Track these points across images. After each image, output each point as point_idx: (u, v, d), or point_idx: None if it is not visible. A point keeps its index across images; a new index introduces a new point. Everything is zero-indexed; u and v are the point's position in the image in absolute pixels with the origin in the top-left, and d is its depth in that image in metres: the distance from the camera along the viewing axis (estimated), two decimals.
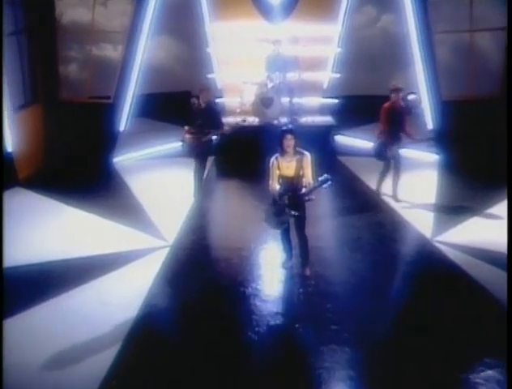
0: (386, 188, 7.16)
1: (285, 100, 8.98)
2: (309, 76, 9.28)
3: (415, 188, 7.44)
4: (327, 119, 9.22)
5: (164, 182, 7.78)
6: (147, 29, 9.09)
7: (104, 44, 9.80)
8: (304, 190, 4.87)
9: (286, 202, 4.87)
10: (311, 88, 9.43)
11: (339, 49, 9.98)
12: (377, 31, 10.94)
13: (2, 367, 3.57)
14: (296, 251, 5.29)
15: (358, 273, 5.22)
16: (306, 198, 4.88)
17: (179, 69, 10.79)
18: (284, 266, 5.36)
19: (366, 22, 11.01)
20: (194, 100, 6.65)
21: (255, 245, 5.75)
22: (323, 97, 9.93)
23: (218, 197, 6.72)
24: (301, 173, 4.89)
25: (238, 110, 9.09)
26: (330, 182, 4.63)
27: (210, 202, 7.02)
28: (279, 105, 8.83)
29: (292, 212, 4.88)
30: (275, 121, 8.81)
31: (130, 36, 8.91)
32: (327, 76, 10.08)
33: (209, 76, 9.79)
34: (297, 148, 4.91)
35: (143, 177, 8.03)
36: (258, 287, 4.96)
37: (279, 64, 8.94)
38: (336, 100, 9.80)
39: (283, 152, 4.93)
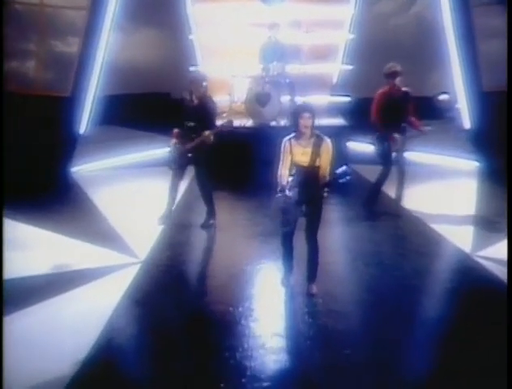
0: (411, 197, 7.39)
1: (285, 98, 9.34)
2: (314, 69, 9.70)
3: (449, 198, 7.73)
4: (337, 121, 9.56)
5: (135, 194, 8.00)
6: (110, 16, 9.62)
7: (59, 26, 10.19)
8: (319, 183, 4.98)
9: (297, 196, 4.96)
10: (317, 83, 9.82)
11: (352, 36, 10.42)
12: (399, 12, 11.30)
13: None
14: (297, 263, 5.40)
15: (376, 291, 5.32)
16: (321, 194, 4.99)
17: (154, 64, 11.02)
18: (284, 282, 5.41)
19: (384, 1, 11.44)
20: (185, 94, 6.78)
21: (246, 262, 5.91)
22: (332, 95, 10.33)
23: (202, 210, 6.93)
24: (318, 161, 5.02)
25: (226, 113, 9.44)
26: (348, 177, 4.76)
27: (192, 214, 7.24)
28: (277, 103, 9.11)
29: (304, 209, 4.99)
30: (273, 123, 9.12)
31: (89, 25, 9.43)
32: (337, 69, 10.51)
33: (192, 70, 10.16)
34: (316, 131, 5.06)
35: (109, 189, 8.27)
36: (250, 309, 5.02)
37: (276, 54, 9.31)
38: (348, 99, 10.16)
39: (298, 134, 5.05)
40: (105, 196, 8.01)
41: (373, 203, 7.33)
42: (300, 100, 9.24)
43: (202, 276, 5.86)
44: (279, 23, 9.48)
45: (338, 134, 8.94)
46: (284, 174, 5.06)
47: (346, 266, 6.03)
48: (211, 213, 6.88)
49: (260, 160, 8.11)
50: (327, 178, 4.96)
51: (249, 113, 9.23)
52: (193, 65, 10.22)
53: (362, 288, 5.43)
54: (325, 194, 5.00)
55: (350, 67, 10.43)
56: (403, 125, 7.06)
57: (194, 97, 6.67)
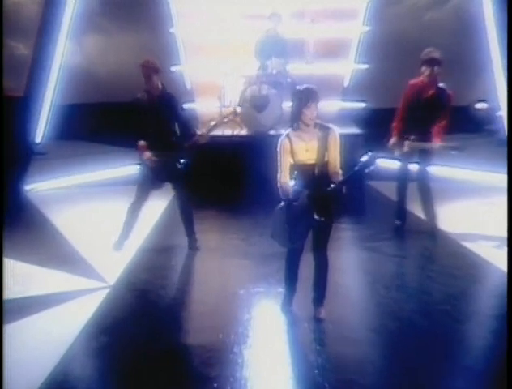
0: (441, 214, 7.54)
1: (287, 103, 9.55)
2: (321, 68, 9.90)
3: (487, 216, 7.95)
4: (350, 131, 9.73)
5: (100, 215, 8.20)
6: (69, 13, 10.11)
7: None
8: (333, 182, 5.00)
9: (306, 202, 5.03)
10: (325, 86, 9.72)
11: (367, 28, 10.75)
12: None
13: None
14: (300, 284, 5.50)
15: (399, 317, 5.45)
16: (338, 194, 5.00)
17: (125, 67, 11.14)
18: (285, 307, 5.53)
19: None
20: (141, 96, 6.79)
21: (240, 285, 6.05)
22: (343, 100, 10.58)
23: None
24: (326, 157, 5.12)
25: (214, 121, 9.61)
26: (373, 167, 4.78)
27: (174, 235, 7.37)
28: (277, 107, 9.28)
29: (317, 217, 5.06)
30: (272, 131, 9.29)
31: (43, 23, 9.95)
32: (349, 68, 10.80)
33: (173, 69, 10.47)
34: (319, 121, 5.15)
35: (70, 209, 8.48)
36: (244, 336, 5.09)
37: (276, 49, 9.61)
38: (363, 105, 10.43)
39: (299, 127, 5.13)
40: (66, 217, 8.18)
41: (396, 220, 7.44)
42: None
43: (186, 301, 5.98)
44: (279, 12, 9.82)
45: (351, 147, 9.23)
46: (286, 180, 5.15)
47: (362, 289, 6.13)
48: (192, 234, 7.08)
49: (256, 174, 8.32)
50: (340, 173, 5.06)
51: (244, 119, 9.45)
52: (174, 64, 10.50)
53: (382, 314, 5.50)
54: (344, 191, 5.02)
55: (365, 67, 10.74)
56: (427, 130, 7.12)
57: (152, 97, 6.77)
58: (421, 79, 7.10)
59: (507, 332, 4.32)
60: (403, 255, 6.92)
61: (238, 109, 9.02)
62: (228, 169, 8.80)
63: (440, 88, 7.10)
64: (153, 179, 6.82)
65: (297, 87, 5.20)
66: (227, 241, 7.38)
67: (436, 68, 7.01)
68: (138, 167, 6.93)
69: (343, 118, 10.05)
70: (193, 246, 7.06)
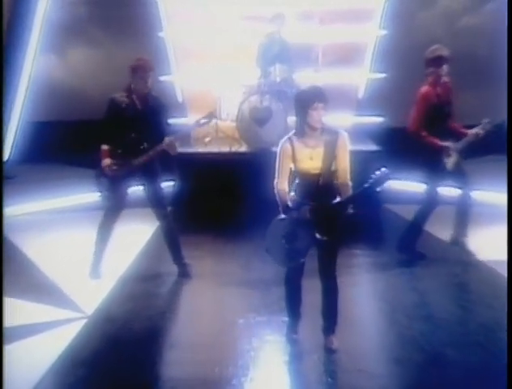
0: (472, 240, 7.65)
1: (292, 116, 9.68)
2: (332, 76, 10.11)
3: None
4: (365, 149, 9.83)
5: (77, 241, 8.21)
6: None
7: None
8: (340, 195, 5.10)
9: (307, 217, 5.09)
10: (336, 97, 9.95)
11: (384, 32, 10.90)
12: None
13: None
14: (307, 311, 5.55)
15: (425, 349, 5.49)
16: (345, 210, 5.07)
17: (106, 80, 11.20)
18: (290, 337, 5.56)
19: None
20: (121, 96, 6.88)
21: (238, 315, 6.12)
22: (357, 114, 10.76)
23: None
24: (333, 166, 5.18)
25: (209, 138, 9.90)
26: (386, 184, 4.89)
27: (163, 262, 7.47)
28: (280, 121, 9.43)
29: (319, 235, 5.12)
30: (275, 148, 9.36)
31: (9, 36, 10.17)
32: (363, 77, 10.96)
33: (162, 79, 10.57)
34: (326, 124, 5.22)
35: (43, 236, 8.56)
36: (244, 368, 5.13)
37: (280, 54, 9.80)
38: (379, 120, 10.60)
39: (304, 131, 5.19)
40: (38, 245, 8.21)
41: (413, 245, 7.50)
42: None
43: (176, 332, 6.02)
44: (283, 13, 10.00)
45: (365, 166, 9.30)
46: (283, 187, 5.25)
47: (380, 318, 6.17)
48: (181, 260, 7.19)
49: (256, 195, 8.31)
50: (350, 186, 5.13)
51: (243, 134, 9.63)
52: (163, 74, 10.62)
53: (404, 345, 5.54)
54: (350, 211, 5.12)
55: (382, 76, 10.90)
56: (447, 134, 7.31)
57: (135, 98, 6.88)
58: (431, 81, 7.23)
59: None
60: (427, 283, 6.95)
61: (233, 118, 9.18)
62: (226, 190, 8.93)
63: (447, 85, 7.29)
64: (118, 190, 6.96)
65: (302, 88, 5.34)
66: (224, 268, 7.48)
67: (444, 67, 7.14)
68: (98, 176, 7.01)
69: (358, 135, 10.04)
70: (184, 273, 7.12)
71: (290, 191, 5.27)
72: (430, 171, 7.39)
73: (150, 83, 6.84)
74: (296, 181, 5.27)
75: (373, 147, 9.72)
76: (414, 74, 10.35)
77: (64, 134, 10.87)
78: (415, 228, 7.53)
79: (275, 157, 5.30)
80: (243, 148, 9.64)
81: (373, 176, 4.89)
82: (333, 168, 5.15)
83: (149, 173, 6.97)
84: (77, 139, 10.38)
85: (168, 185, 8.58)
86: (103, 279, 7.05)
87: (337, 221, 5.15)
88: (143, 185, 7.06)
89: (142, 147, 6.84)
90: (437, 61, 7.13)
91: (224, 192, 8.95)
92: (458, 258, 7.49)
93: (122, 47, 10.76)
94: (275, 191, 5.26)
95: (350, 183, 5.14)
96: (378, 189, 4.88)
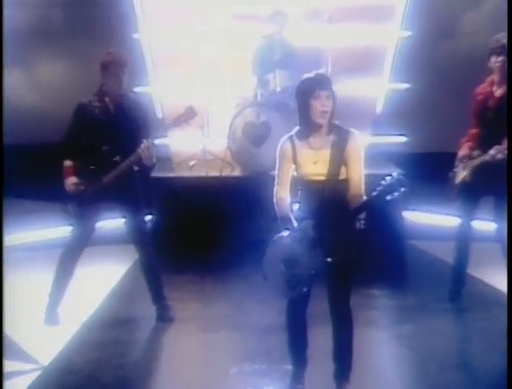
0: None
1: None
2: (344, 87, 10.02)
3: None
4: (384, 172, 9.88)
5: (32, 283, 8.31)
6: None
7: None
8: (351, 206, 5.12)
9: (311, 234, 5.12)
10: (350, 113, 10.12)
11: (406, 33, 10.93)
12: None
13: None
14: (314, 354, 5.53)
15: None
16: (357, 223, 5.10)
17: (71, 94, 11.25)
18: (295, 386, 5.54)
19: None
20: (89, 101, 6.96)
21: (229, 362, 6.18)
22: (374, 133, 10.82)
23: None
24: (344, 172, 5.22)
25: (194, 161, 9.95)
26: (403, 189, 4.83)
27: (139, 305, 7.55)
28: (281, 138, 9.53)
29: (324, 256, 5.12)
30: (274, 172, 9.43)
31: None
32: (382, 88, 11.02)
33: (138, 90, 10.61)
34: (335, 122, 5.27)
35: None
36: None
37: (281, 59, 9.91)
38: (402, 140, 10.68)
39: (308, 128, 5.25)
40: None
41: (458, 288, 7.62)
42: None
43: (153, 383, 6.05)
44: (285, 11, 10.10)
45: (386, 197, 9.37)
46: (283, 196, 5.33)
47: (405, 366, 6.20)
48: (162, 301, 7.24)
49: (252, 226, 8.60)
50: (362, 198, 5.12)
51: (236, 156, 9.70)
52: (139, 84, 10.60)
53: None
54: (361, 226, 5.14)
55: (404, 87, 10.94)
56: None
57: (108, 102, 6.97)
58: (492, 79, 7.24)
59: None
60: (463, 329, 7.11)
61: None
62: (215, 221, 9.01)
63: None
64: (86, 217, 6.98)
65: (302, 78, 5.33)
66: (213, 310, 7.52)
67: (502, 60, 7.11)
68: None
69: (375, 158, 10.06)
70: (164, 317, 7.13)
71: (293, 203, 5.32)
72: (465, 201, 7.44)
73: (124, 81, 6.89)
74: (300, 189, 5.30)
75: (375, 192, 9.74)
76: (443, 84, 10.61)
77: (23, 159, 10.82)
78: (460, 271, 7.62)
79: (274, 182, 5.35)
80: (236, 172, 9.70)
81: (382, 182, 4.86)
82: (342, 175, 5.18)
83: (125, 196, 6.99)
84: (37, 166, 10.35)
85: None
86: (62, 326, 7.05)
87: (347, 239, 5.19)
88: (120, 211, 7.11)
89: (115, 160, 6.87)
90: (503, 50, 7.08)
91: (213, 223, 9.02)
92: (498, 300, 7.48)
93: (90, 50, 10.71)
94: (274, 200, 5.34)
95: (363, 194, 5.14)
96: (389, 197, 4.83)
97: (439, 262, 8.82)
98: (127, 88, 7.05)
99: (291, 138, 5.28)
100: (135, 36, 11.00)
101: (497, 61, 7.12)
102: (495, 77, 7.22)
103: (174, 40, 10.88)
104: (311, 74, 5.27)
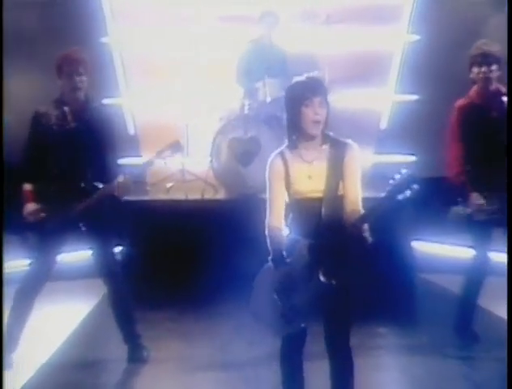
0: None
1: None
2: (343, 98, 10.24)
3: None
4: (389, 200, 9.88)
5: None
6: None
7: None
8: (351, 222, 5.09)
9: (306, 256, 5.13)
10: (350, 129, 10.09)
11: (414, 37, 10.98)
12: None
13: None
14: None
15: None
16: (359, 236, 5.01)
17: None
18: None
19: None
20: (46, 110, 6.91)
21: None
22: (378, 152, 10.88)
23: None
24: (341, 187, 5.24)
25: (171, 183, 9.94)
26: (416, 186, 4.86)
27: (106, 346, 7.60)
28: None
29: (324, 278, 5.10)
30: (264, 195, 9.37)
31: None
32: (387, 100, 11.06)
33: (107, 103, 10.55)
34: (329, 133, 5.31)
35: None
36: None
37: (272, 65, 9.94)
38: (411, 159, 10.63)
39: (299, 141, 5.28)
40: None
41: (467, 324, 7.60)
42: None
43: None
44: (275, 12, 10.15)
45: (393, 225, 9.33)
46: (277, 225, 5.30)
47: None
48: (134, 339, 7.21)
49: (239, 256, 8.41)
50: (361, 213, 5.14)
51: (220, 176, 9.72)
52: (108, 95, 10.56)
53: None
54: (366, 235, 5.02)
55: (412, 98, 10.95)
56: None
57: (67, 112, 6.92)
58: (475, 91, 7.25)
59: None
60: (480, 372, 7.03)
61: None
62: (196, 250, 9.02)
63: (500, 97, 7.22)
64: (46, 248, 6.93)
65: (292, 83, 5.41)
66: (193, 350, 7.51)
67: (493, 68, 7.11)
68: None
69: (379, 179, 10.09)
70: (136, 358, 7.10)
71: (288, 223, 5.30)
72: (479, 230, 7.40)
73: (81, 84, 6.81)
74: (292, 213, 5.29)
75: (399, 196, 9.71)
76: (457, 96, 10.60)
77: None
78: (469, 304, 7.60)
79: (265, 206, 5.30)
80: (220, 195, 9.71)
81: (391, 181, 4.90)
82: (339, 191, 5.20)
83: (92, 224, 6.95)
84: None
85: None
86: (17, 369, 6.95)
87: (348, 259, 5.17)
88: (86, 241, 7.08)
89: (82, 186, 6.83)
90: (482, 59, 7.11)
91: (193, 253, 9.01)
92: None
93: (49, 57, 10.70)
94: (266, 231, 5.28)
95: (361, 210, 5.15)
96: (400, 197, 4.85)
97: (452, 296, 8.67)
98: (90, 96, 6.97)
99: (281, 153, 5.28)
100: (103, 39, 10.97)
101: (479, 72, 7.13)
102: (478, 88, 7.24)
103: (148, 44, 10.91)
104: (302, 78, 5.38)
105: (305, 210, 5.23)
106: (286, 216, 5.31)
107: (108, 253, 7.12)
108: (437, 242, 10.21)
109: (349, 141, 5.27)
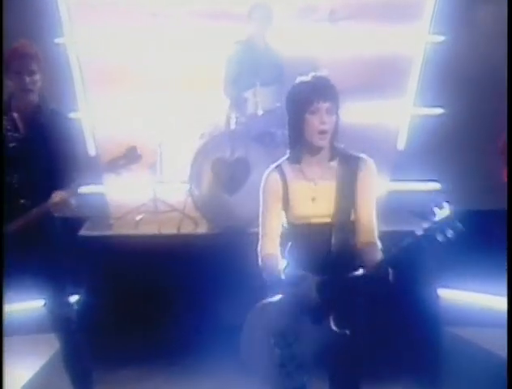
0: None
1: None
2: (352, 112, 10.00)
3: None
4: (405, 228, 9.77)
5: None
6: None
7: None
8: (365, 262, 5.15)
9: (313, 296, 5.10)
10: (361, 149, 10.08)
11: (437, 38, 11.00)
12: None
13: None
14: None
15: None
16: (381, 283, 5.01)
17: None
18: None
19: None
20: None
21: None
22: (394, 179, 10.90)
23: None
24: (352, 213, 5.33)
25: (141, 215, 9.95)
26: (460, 226, 4.87)
27: None
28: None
29: (335, 327, 5.12)
30: (255, 229, 9.26)
31: None
32: (405, 114, 11.09)
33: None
34: (338, 145, 5.38)
35: None
36: None
37: (265, 72, 9.91)
38: (432, 187, 10.72)
39: (302, 154, 5.36)
40: None
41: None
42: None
43: None
44: (268, 5, 10.14)
45: (417, 267, 9.30)
46: (272, 251, 5.38)
47: None
48: None
49: (223, 303, 8.44)
50: (378, 247, 5.23)
51: (201, 206, 9.65)
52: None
53: None
54: (389, 277, 5.01)
55: (436, 112, 10.94)
56: None
57: (17, 118, 6.90)
58: None
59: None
60: None
61: None
62: (172, 297, 8.95)
63: None
64: None
65: (295, 80, 5.41)
66: None
67: None
68: None
69: (396, 209, 10.32)
70: None
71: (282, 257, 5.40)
72: None
73: (36, 84, 6.77)
74: (291, 241, 5.39)
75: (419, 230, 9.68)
76: (491, 108, 10.56)
77: None
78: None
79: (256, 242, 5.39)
80: (201, 229, 9.71)
81: (430, 217, 4.87)
82: (351, 216, 5.31)
83: (39, 265, 6.83)
84: None
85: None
86: None
87: (365, 305, 5.26)
88: (33, 287, 6.95)
89: (22, 202, 6.77)
90: None
91: (167, 300, 8.94)
92: None
93: None
94: (259, 260, 5.38)
95: (378, 242, 5.28)
96: (440, 238, 4.85)
97: (487, 354, 8.82)
98: (44, 99, 6.92)
99: (279, 168, 5.35)
100: (58, 40, 10.95)
101: None
102: None
103: (112, 47, 10.91)
104: (307, 78, 5.35)
105: (308, 239, 5.28)
106: (282, 245, 5.35)
107: (61, 302, 7.03)
108: (467, 290, 10.12)
109: (363, 155, 5.36)
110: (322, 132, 5.17)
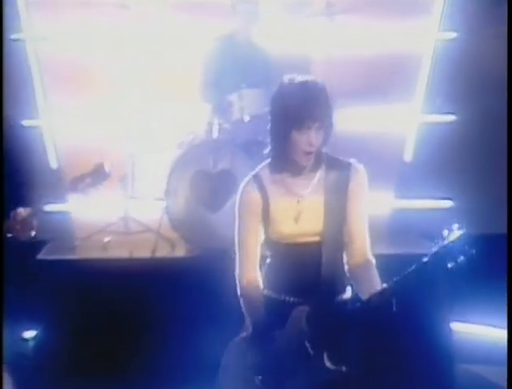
0: None
1: None
2: (351, 119, 10.31)
3: None
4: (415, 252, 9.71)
5: None
6: None
7: None
8: (358, 285, 5.25)
9: (304, 326, 5.08)
10: (362, 161, 10.07)
11: (449, 35, 10.99)
12: None
13: None
14: None
15: None
16: (382, 312, 4.92)
17: None
18: None
19: None
20: None
21: None
22: (400, 196, 10.84)
23: None
24: (343, 230, 5.33)
25: (109, 237, 9.86)
26: (472, 250, 4.77)
27: None
28: None
29: (330, 364, 5.06)
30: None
31: None
32: (412, 121, 11.05)
33: (25, 125, 10.51)
34: (323, 151, 5.35)
35: None
36: None
37: (252, 73, 9.89)
38: (443, 205, 10.67)
39: (285, 163, 5.31)
40: None
41: None
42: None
43: None
44: None
45: (447, 264, 9.27)
46: (252, 275, 5.39)
47: None
48: None
49: (201, 334, 8.42)
50: (374, 265, 5.28)
51: (179, 227, 9.62)
52: (24, 117, 10.52)
53: None
54: (393, 306, 4.91)
55: (447, 119, 10.91)
56: None
57: None
58: None
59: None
60: None
61: None
62: (145, 328, 8.87)
63: None
64: None
65: (282, 81, 5.26)
66: None
67: None
68: None
69: (402, 230, 10.39)
70: None
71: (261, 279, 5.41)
72: None
73: None
74: (272, 261, 5.39)
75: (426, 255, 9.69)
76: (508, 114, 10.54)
77: None
78: None
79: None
80: (179, 252, 9.67)
81: (440, 242, 4.82)
82: (341, 233, 5.30)
83: None
84: None
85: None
86: None
87: (366, 336, 5.25)
88: None
89: None
90: None
91: (139, 333, 8.86)
92: None
93: None
94: (238, 289, 5.39)
95: (373, 259, 5.31)
96: (450, 264, 4.78)
97: None
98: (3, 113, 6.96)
99: (257, 177, 5.30)
100: (15, 36, 10.93)
101: None
102: None
103: (77, 45, 10.88)
104: (296, 84, 5.16)
105: (293, 260, 5.27)
106: (261, 265, 5.33)
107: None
108: (482, 324, 10.04)
109: (352, 161, 5.34)
110: (309, 153, 5.13)
